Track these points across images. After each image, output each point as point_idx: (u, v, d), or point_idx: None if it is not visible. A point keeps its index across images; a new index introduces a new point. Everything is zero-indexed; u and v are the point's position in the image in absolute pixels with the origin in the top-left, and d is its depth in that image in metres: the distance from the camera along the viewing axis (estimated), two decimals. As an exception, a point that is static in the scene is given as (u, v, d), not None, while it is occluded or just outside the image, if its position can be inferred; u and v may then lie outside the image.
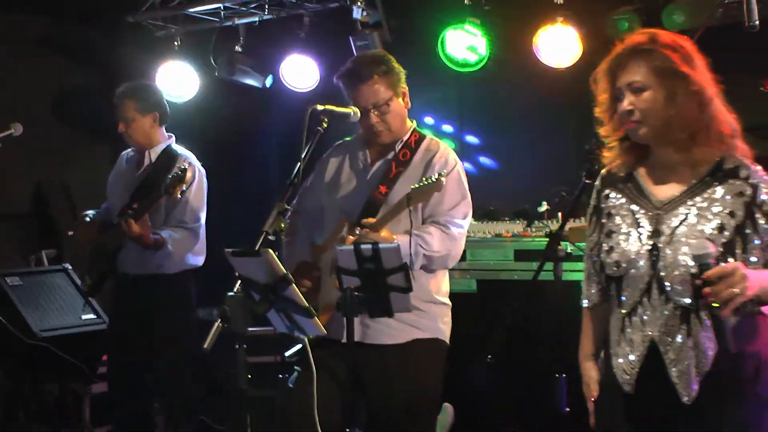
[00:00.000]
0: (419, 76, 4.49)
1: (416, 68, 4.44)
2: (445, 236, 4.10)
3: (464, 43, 6.35)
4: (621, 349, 3.06)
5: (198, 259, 5.52)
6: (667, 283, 2.94)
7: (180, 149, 5.55)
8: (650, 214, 3.05)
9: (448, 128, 7.36)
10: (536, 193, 6.20)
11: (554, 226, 5.65)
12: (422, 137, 4.32)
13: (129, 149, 5.66)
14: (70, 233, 5.59)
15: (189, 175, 5.05)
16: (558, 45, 6.08)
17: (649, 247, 2.99)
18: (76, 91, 7.72)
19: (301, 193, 4.46)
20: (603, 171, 3.25)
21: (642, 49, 3.01)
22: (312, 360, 3.88)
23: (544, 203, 5.99)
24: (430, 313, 4.19)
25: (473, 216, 4.50)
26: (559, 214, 5.82)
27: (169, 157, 5.49)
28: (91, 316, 6.39)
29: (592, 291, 3.25)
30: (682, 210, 2.99)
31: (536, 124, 6.84)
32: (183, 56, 7.25)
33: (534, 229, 5.89)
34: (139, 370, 5.44)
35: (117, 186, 5.63)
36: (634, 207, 3.09)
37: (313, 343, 3.92)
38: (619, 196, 3.15)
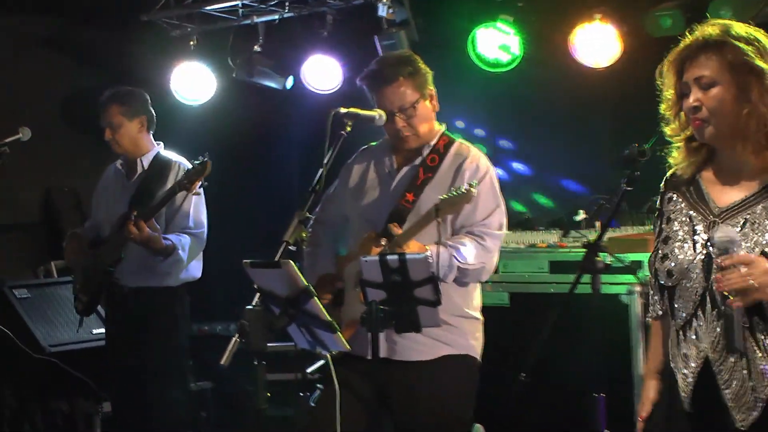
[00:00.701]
0: (449, 78, 4.49)
1: (445, 69, 4.45)
2: (480, 248, 4.09)
3: (496, 42, 6.34)
4: (678, 364, 3.03)
5: (196, 270, 5.53)
6: (719, 298, 2.89)
7: (172, 155, 5.57)
8: (707, 221, 3.01)
9: (479, 132, 7.35)
10: (573, 200, 6.18)
11: (592, 236, 5.62)
12: (451, 141, 4.32)
13: (116, 162, 5.69)
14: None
15: (209, 168, 4.98)
16: (596, 43, 6.06)
17: (703, 257, 2.95)
18: (87, 94, 7.73)
19: (323, 201, 4.47)
20: (669, 173, 3.21)
21: (713, 42, 2.95)
22: (335, 377, 3.88)
23: (582, 212, 5.97)
24: (460, 329, 4.18)
25: (505, 225, 4.49)
26: (598, 223, 5.80)
27: (160, 164, 5.52)
28: (101, 330, 6.42)
29: (656, 300, 3.20)
30: (740, 218, 2.94)
31: (573, 128, 6.82)
32: (199, 57, 7.28)
33: (570, 239, 5.86)
34: (130, 390, 5.44)
35: (105, 199, 5.65)
36: (693, 213, 3.05)
37: (336, 360, 3.92)
38: (680, 200, 3.11)
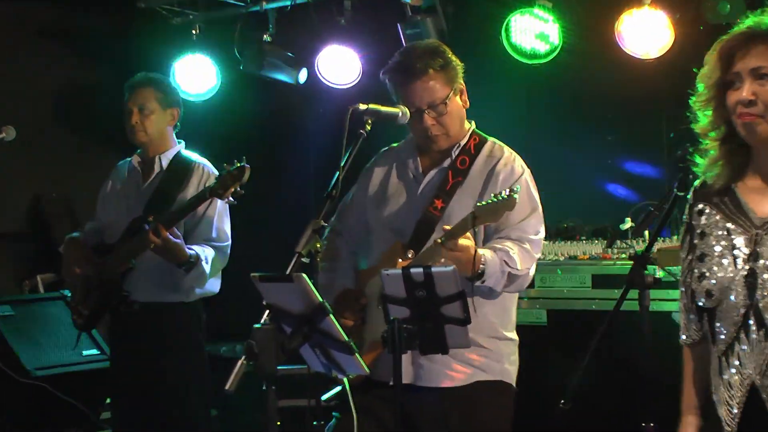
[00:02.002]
0: (480, 71, 4.49)
1: (476, 61, 4.45)
2: (525, 252, 4.08)
3: (533, 31, 6.35)
4: (720, 395, 3.02)
5: (215, 285, 5.53)
6: (767, 315, 2.90)
7: (194, 156, 5.58)
8: (748, 234, 3.00)
9: (513, 131, 7.34)
10: (618, 207, 6.16)
11: (640, 246, 5.61)
12: (483, 141, 4.31)
13: (128, 159, 5.69)
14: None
15: (247, 174, 4.96)
16: (645, 32, 6.05)
17: (746, 273, 2.95)
18: (80, 89, 7.81)
19: (340, 210, 4.47)
20: (696, 182, 3.21)
21: None
22: (353, 405, 3.88)
23: (628, 220, 5.96)
24: (494, 351, 4.17)
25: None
26: (646, 232, 5.78)
27: (181, 164, 5.53)
28: (94, 351, 6.44)
29: (691, 325, 3.20)
30: None
31: (619, 126, 6.81)
32: (203, 47, 7.31)
33: (616, 251, 5.86)
34: (144, 417, 5.44)
35: (116, 200, 5.64)
36: (730, 225, 3.04)
37: (354, 385, 3.92)
38: (714, 212, 3.10)
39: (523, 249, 4.09)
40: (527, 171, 4.26)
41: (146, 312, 5.37)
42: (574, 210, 6.48)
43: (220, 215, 5.41)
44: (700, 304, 3.06)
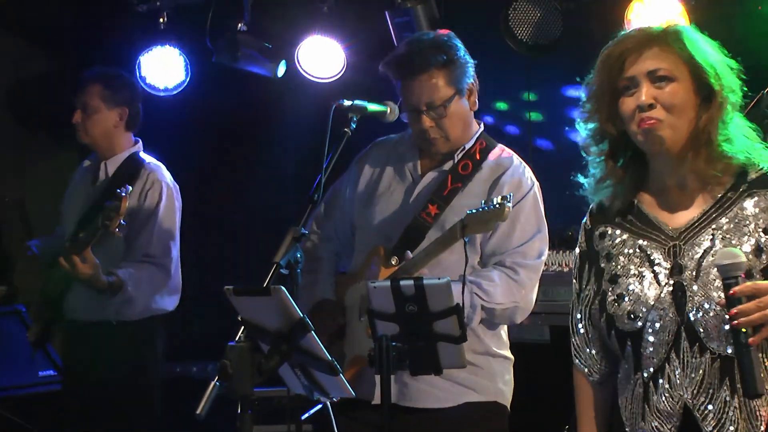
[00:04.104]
0: (476, 63, 4.49)
1: (472, 52, 4.45)
2: (511, 284, 4.10)
3: (534, 19, 6.35)
4: (647, 425, 3.04)
5: (168, 302, 5.54)
6: (700, 329, 2.94)
7: (147, 158, 5.58)
8: (665, 247, 3.05)
9: (512, 129, 7.36)
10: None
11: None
12: (490, 146, 4.31)
13: (86, 159, 5.70)
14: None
15: (124, 205, 4.93)
16: (657, 19, 6.06)
17: (671, 288, 3.00)
18: (35, 82, 7.80)
19: (328, 200, 4.45)
20: (592, 205, 3.27)
21: (671, 31, 3.07)
22: (335, 427, 3.88)
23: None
24: (487, 370, 4.19)
25: (546, 244, 4.48)
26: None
27: (129, 170, 5.53)
28: (50, 372, 6.43)
29: (596, 361, 3.26)
30: (705, 236, 3.01)
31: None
32: (171, 37, 7.30)
33: (625, 261, 5.86)
34: None
35: (70, 206, 5.69)
36: (642, 242, 3.10)
37: (335, 406, 3.93)
38: (619, 232, 3.16)
39: (511, 281, 4.10)
40: (536, 185, 4.27)
41: (89, 331, 5.41)
42: (579, 216, 6.47)
43: (162, 227, 5.40)
44: (623, 328, 3.07)
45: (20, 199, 7.71)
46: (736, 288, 2.78)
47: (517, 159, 4.30)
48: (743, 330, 2.78)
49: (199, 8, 7.29)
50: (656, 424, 3.02)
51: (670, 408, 2.99)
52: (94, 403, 5.39)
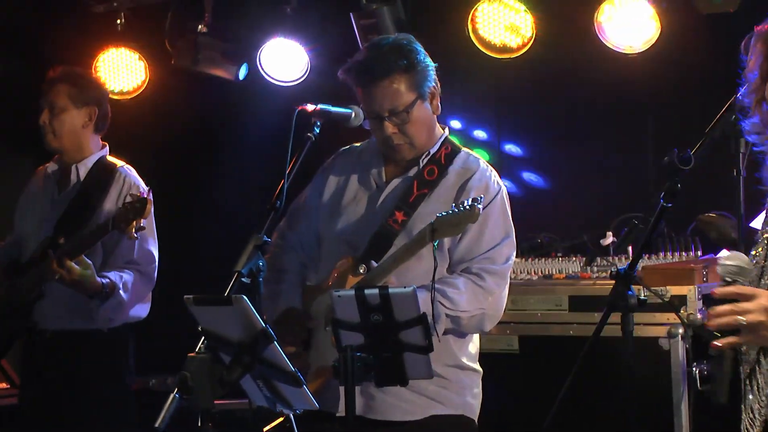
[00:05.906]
0: (443, 67, 4.50)
1: (439, 56, 4.45)
2: (477, 290, 4.09)
3: (503, 22, 6.38)
4: (745, 414, 3.00)
5: (142, 310, 5.51)
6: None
7: (118, 163, 5.55)
8: None
9: (480, 134, 7.38)
10: (598, 220, 6.20)
11: (623, 264, 5.65)
12: (456, 151, 4.31)
13: (48, 164, 5.66)
14: None
15: (149, 207, 5.01)
16: (628, 22, 6.10)
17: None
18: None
19: (290, 214, 4.45)
20: None
21: None
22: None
23: (609, 234, 5.99)
24: (454, 382, 4.19)
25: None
26: (630, 248, 5.82)
27: (102, 173, 5.50)
28: (3, 385, 6.39)
29: None
30: None
31: (599, 129, 6.85)
32: (128, 39, 7.29)
33: (596, 269, 5.89)
34: None
35: (30, 213, 5.62)
36: None
37: (299, 418, 3.92)
38: None
39: (477, 287, 4.10)
40: (504, 189, 4.26)
41: (59, 341, 5.36)
42: (548, 223, 6.50)
43: (144, 233, 5.36)
44: None
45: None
46: (717, 290, 2.77)
47: (483, 163, 4.30)
48: (716, 333, 2.77)
49: (158, 9, 7.28)
50: (747, 422, 2.97)
51: (758, 412, 2.95)
52: (59, 419, 5.34)
